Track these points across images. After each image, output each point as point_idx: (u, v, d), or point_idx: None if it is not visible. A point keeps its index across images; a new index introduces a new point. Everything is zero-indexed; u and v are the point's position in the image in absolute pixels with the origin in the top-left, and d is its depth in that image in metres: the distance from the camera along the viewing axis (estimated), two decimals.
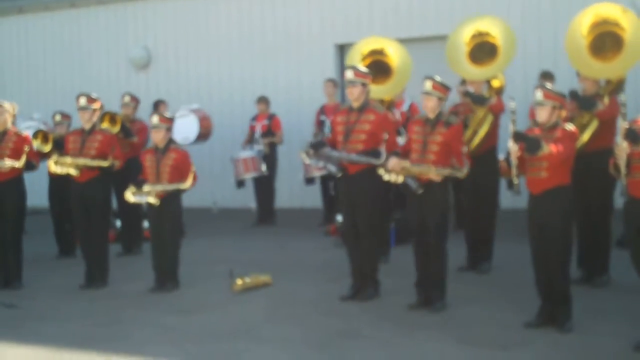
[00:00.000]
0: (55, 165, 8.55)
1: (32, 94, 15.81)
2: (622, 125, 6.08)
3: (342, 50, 13.15)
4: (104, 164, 8.55)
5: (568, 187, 6.36)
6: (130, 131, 10.42)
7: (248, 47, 14.23)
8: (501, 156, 8.80)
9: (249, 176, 11.97)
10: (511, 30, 8.48)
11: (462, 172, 6.98)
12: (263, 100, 12.45)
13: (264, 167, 11.90)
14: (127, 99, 10.90)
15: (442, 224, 7.08)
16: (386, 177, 7.12)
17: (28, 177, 9.02)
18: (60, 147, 9.38)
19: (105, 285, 8.64)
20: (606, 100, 7.58)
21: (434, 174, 6.92)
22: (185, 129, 12.24)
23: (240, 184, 12.11)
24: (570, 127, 6.44)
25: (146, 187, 8.27)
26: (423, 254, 7.11)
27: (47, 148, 9.85)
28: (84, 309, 7.79)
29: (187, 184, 8.23)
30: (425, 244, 7.08)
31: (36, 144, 9.69)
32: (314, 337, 6.58)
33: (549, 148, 6.12)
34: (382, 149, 7.37)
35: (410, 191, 7.10)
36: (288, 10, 13.95)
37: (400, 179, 7.06)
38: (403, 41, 9.52)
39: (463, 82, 8.93)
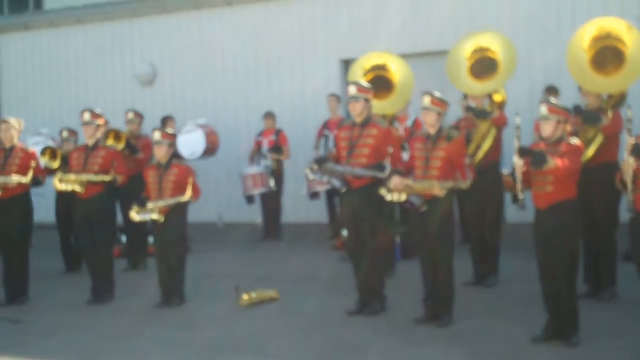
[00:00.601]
0: (60, 183, 8.58)
1: (38, 110, 15.87)
2: (628, 140, 6.09)
3: (347, 65, 13.19)
4: (106, 178, 8.58)
5: (574, 201, 6.36)
6: (135, 147, 10.45)
7: (253, 62, 14.29)
8: (506, 171, 8.80)
9: (257, 192, 12.00)
10: (511, 45, 8.52)
11: (466, 184, 6.98)
12: (270, 116, 12.50)
13: (272, 183, 11.93)
14: (130, 115, 10.94)
15: (447, 239, 7.08)
16: (389, 197, 7.12)
17: (35, 192, 9.05)
18: (68, 163, 9.42)
19: (111, 300, 8.65)
20: (610, 114, 7.60)
21: (438, 189, 6.93)
22: (192, 144, 12.28)
23: (250, 199, 12.15)
24: (575, 141, 6.44)
25: (149, 205, 8.29)
26: (429, 269, 7.11)
27: (55, 164, 9.88)
28: (90, 324, 7.79)
29: (187, 196, 8.24)
30: (431, 259, 7.08)
31: (44, 160, 9.72)
32: (320, 352, 6.57)
33: (555, 162, 6.12)
34: (387, 162, 7.38)
35: (414, 208, 7.11)
36: (293, 26, 14.02)
37: (403, 197, 7.07)
38: (407, 56, 9.55)
39: (465, 96, 8.96)
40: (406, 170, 7.24)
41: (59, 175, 8.64)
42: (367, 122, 7.51)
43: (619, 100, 7.76)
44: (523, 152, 6.26)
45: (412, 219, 7.29)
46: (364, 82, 7.93)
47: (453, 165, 7.03)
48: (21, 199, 8.74)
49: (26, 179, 8.64)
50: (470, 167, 7.07)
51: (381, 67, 8.91)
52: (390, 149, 7.43)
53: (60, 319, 8.03)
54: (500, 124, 8.41)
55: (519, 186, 6.36)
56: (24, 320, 8.01)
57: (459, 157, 7.03)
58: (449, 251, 7.08)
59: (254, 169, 12.01)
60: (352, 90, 7.52)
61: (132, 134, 10.72)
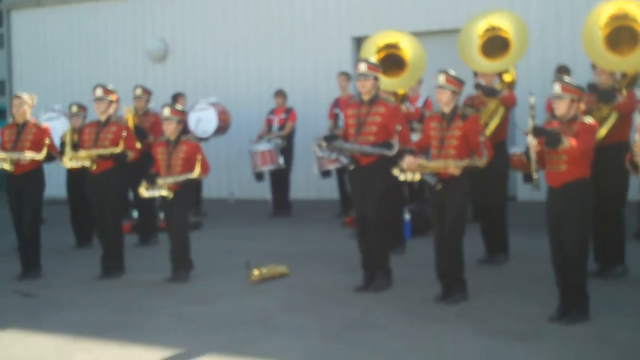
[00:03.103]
0: (69, 161, 8.58)
1: (50, 87, 15.91)
2: (638, 122, 6.04)
3: (359, 42, 13.15)
4: (116, 150, 8.55)
5: (587, 181, 6.32)
6: (144, 131, 10.31)
7: (265, 39, 14.27)
8: (519, 150, 8.78)
9: (266, 169, 12.01)
10: (523, 25, 8.48)
11: (482, 161, 6.94)
12: (281, 94, 12.47)
13: (281, 160, 11.93)
14: (138, 91, 10.86)
15: (460, 218, 7.06)
16: (402, 177, 7.11)
17: (46, 167, 9.08)
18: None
19: (121, 275, 8.69)
20: (624, 92, 7.56)
21: (453, 168, 6.91)
22: (204, 122, 12.27)
23: (259, 176, 12.15)
24: (589, 120, 6.39)
25: (159, 181, 8.29)
26: (442, 247, 7.10)
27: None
28: (101, 298, 7.84)
29: (195, 173, 8.24)
30: (444, 237, 7.07)
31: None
32: (330, 327, 6.59)
33: (570, 142, 6.08)
34: (394, 140, 7.36)
35: (429, 187, 7.09)
36: (305, 3, 13.98)
37: (417, 177, 7.05)
38: (420, 34, 9.53)
39: (475, 75, 8.93)
40: (417, 150, 7.22)
41: (68, 154, 8.65)
42: (375, 100, 7.49)
43: (633, 79, 7.72)
44: (537, 131, 6.22)
45: (428, 199, 7.27)
46: (374, 60, 7.91)
47: (469, 143, 7.00)
48: (35, 175, 8.76)
49: (40, 156, 8.66)
50: (486, 144, 7.00)
51: (394, 46, 8.92)
52: (399, 127, 7.40)
53: (71, 294, 8.08)
54: (508, 103, 8.37)
55: (533, 166, 6.32)
56: (36, 294, 8.07)
57: (474, 135, 6.98)
58: (460, 229, 7.06)
59: (263, 146, 12.00)
60: (363, 67, 7.49)
61: (140, 110, 10.67)
